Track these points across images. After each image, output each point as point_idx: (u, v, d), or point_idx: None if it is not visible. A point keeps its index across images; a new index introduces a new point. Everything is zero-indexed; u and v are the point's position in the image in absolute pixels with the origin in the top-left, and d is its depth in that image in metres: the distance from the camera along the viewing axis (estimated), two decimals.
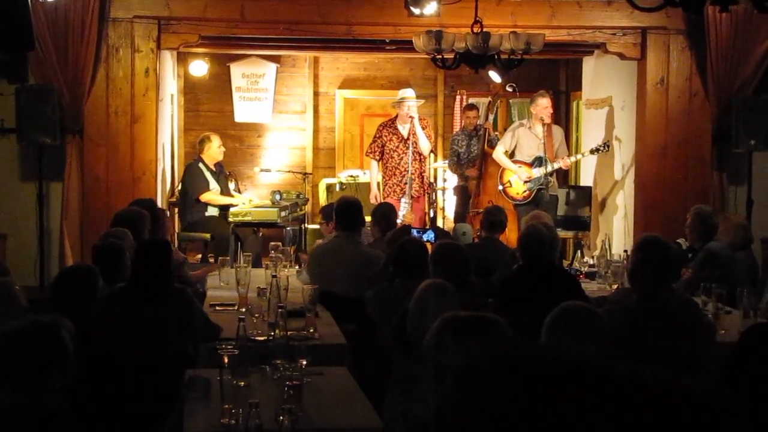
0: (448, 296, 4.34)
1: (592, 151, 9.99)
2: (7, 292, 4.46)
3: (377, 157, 10.45)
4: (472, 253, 5.99)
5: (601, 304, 5.46)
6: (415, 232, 7.45)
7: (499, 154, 10.21)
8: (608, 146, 9.97)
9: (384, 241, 7.09)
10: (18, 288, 4.63)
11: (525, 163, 10.01)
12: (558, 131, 10.24)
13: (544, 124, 9.91)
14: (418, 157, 10.26)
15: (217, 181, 9.96)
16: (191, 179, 9.85)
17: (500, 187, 10.17)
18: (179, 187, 10.77)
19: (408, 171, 10.14)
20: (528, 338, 3.40)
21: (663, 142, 9.43)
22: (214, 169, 9.98)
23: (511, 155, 10.17)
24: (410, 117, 10.19)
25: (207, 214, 9.82)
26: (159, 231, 7.36)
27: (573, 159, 10.28)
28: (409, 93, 10.48)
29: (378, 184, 10.56)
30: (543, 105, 9.96)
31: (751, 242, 7.41)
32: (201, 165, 9.90)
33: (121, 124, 8.93)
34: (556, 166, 9.89)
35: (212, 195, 9.82)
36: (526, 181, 9.98)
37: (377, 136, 10.47)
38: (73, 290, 4.72)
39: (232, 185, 11.16)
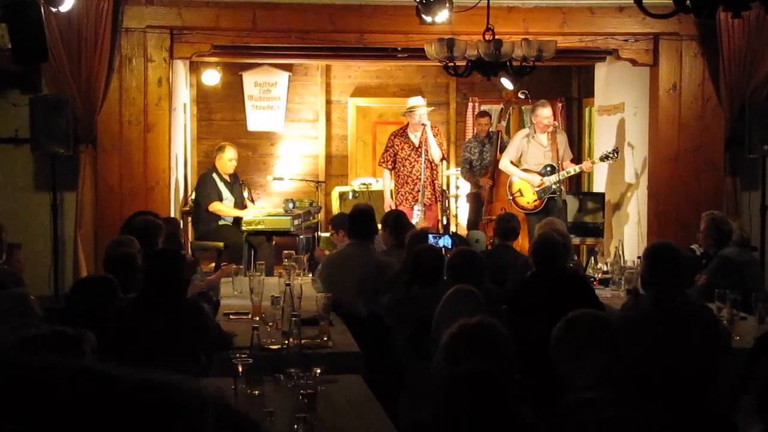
0: (477, 302, 4.35)
1: (602, 159, 9.97)
2: (23, 303, 4.46)
3: (390, 167, 10.47)
4: (486, 261, 5.99)
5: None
6: (431, 237, 7.46)
7: (506, 164, 10.22)
8: (617, 153, 9.95)
9: (405, 246, 7.08)
10: (34, 298, 4.63)
11: (534, 172, 10.00)
12: (561, 137, 10.22)
13: (549, 132, 9.94)
14: (429, 165, 10.28)
15: (231, 192, 9.98)
16: (203, 189, 9.89)
17: (510, 197, 10.16)
18: (191, 196, 10.78)
19: (420, 179, 10.15)
20: (542, 345, 3.40)
21: (676, 148, 9.41)
22: (228, 179, 10.00)
23: (517, 165, 10.18)
24: (423, 124, 10.23)
25: (221, 223, 9.85)
26: (169, 241, 7.37)
27: (596, 161, 10.19)
28: (418, 101, 10.50)
29: (391, 192, 10.58)
30: (543, 115, 9.98)
31: (748, 241, 7.42)
32: (214, 175, 9.93)
33: (134, 134, 8.96)
34: (575, 170, 9.87)
35: (219, 205, 9.83)
36: (537, 191, 9.96)
37: (389, 145, 10.50)
38: (89, 301, 4.72)
39: (245, 194, 11.19)
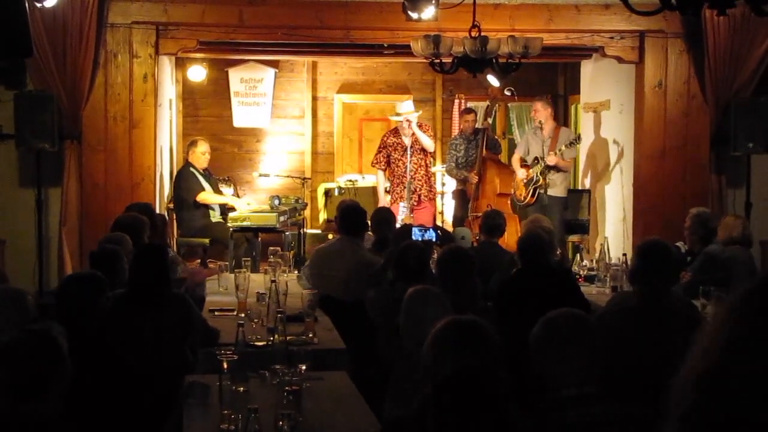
0: (436, 300, 4.36)
1: (566, 146, 10.00)
2: (21, 302, 4.44)
3: (383, 167, 10.54)
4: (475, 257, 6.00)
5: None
6: (416, 231, 7.45)
7: (513, 160, 10.49)
8: (579, 138, 10.16)
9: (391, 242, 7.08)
10: (31, 297, 4.60)
11: (526, 166, 10.12)
12: (564, 133, 10.25)
13: (553, 127, 10.04)
14: (424, 163, 10.33)
15: (209, 184, 10.00)
16: (185, 183, 9.86)
17: (512, 191, 10.28)
18: (169, 195, 10.71)
19: (407, 177, 10.18)
20: (527, 341, 3.40)
21: (661, 146, 9.43)
22: (203, 172, 10.03)
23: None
24: (408, 120, 10.27)
25: (214, 219, 9.83)
26: (156, 235, 7.36)
27: (562, 149, 10.12)
28: (405, 108, 10.54)
29: (385, 190, 10.64)
30: (534, 109, 10.28)
31: (750, 239, 7.41)
32: (191, 169, 9.93)
33: (119, 130, 8.93)
34: (548, 162, 9.89)
35: (207, 195, 9.84)
36: (524, 183, 10.07)
37: (382, 146, 10.57)
38: (79, 298, 4.70)
39: (231, 190, 11.16)
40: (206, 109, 13.02)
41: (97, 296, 4.74)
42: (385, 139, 10.64)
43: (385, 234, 7.27)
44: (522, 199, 10.15)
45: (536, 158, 10.02)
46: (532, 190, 10.04)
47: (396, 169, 10.44)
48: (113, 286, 5.36)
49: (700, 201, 8.80)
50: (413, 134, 10.28)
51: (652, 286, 4.77)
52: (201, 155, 10.03)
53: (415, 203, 10.26)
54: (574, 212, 10.45)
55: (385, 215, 7.74)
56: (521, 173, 10.14)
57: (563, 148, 9.94)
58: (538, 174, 9.95)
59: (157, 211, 9.05)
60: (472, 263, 5.58)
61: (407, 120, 10.31)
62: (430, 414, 2.90)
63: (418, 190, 10.28)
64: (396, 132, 10.54)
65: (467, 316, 3.57)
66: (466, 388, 2.88)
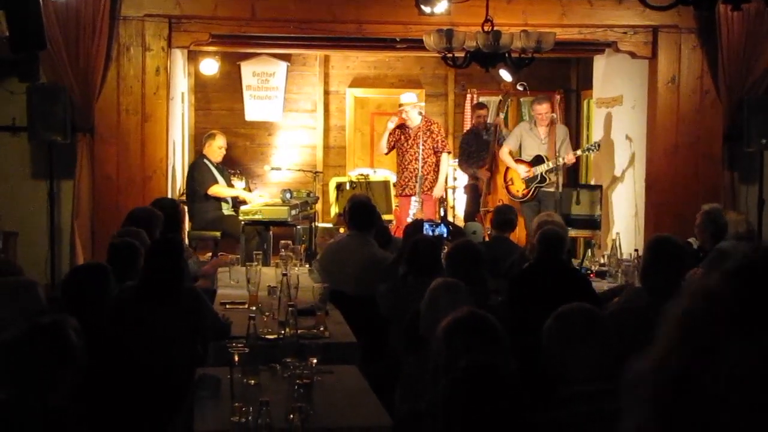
0: (459, 294, 4.35)
1: (583, 151, 10.05)
2: (31, 292, 4.45)
3: (390, 146, 10.53)
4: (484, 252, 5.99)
5: (610, 297, 5.43)
6: (427, 226, 7.45)
7: (503, 153, 10.41)
8: (598, 145, 10.10)
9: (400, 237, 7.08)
10: (41, 288, 4.61)
11: (526, 162, 10.08)
12: (561, 130, 10.25)
13: (547, 125, 10.00)
14: (427, 155, 10.32)
15: (222, 177, 10.02)
16: (199, 175, 9.89)
17: (504, 184, 10.27)
18: (181, 187, 10.73)
19: (418, 170, 10.17)
20: (539, 336, 3.40)
21: (674, 141, 9.41)
22: (217, 166, 10.06)
23: (518, 155, 10.26)
24: (419, 113, 10.29)
25: (225, 212, 9.86)
26: (179, 230, 7.37)
27: (578, 153, 10.20)
28: (404, 98, 10.56)
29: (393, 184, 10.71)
30: (537, 111, 10.18)
31: (753, 234, 7.39)
32: (206, 161, 9.97)
33: (131, 123, 8.94)
34: (557, 163, 9.88)
35: (219, 188, 9.87)
36: (525, 179, 10.05)
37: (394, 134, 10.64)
38: (84, 288, 4.71)
39: (242, 183, 11.17)
40: (218, 103, 13.03)
41: (102, 286, 4.75)
42: (395, 129, 10.69)
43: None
44: (519, 195, 10.13)
45: (539, 157, 10.00)
46: (533, 188, 10.05)
47: (402, 157, 10.42)
48: (128, 279, 5.38)
49: (712, 197, 8.77)
50: (419, 126, 10.28)
51: (663, 282, 4.76)
52: (217, 149, 10.08)
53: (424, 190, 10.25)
54: (586, 208, 10.43)
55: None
56: (522, 170, 10.10)
57: (580, 152, 9.96)
58: (545, 174, 9.95)
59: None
60: (481, 258, 5.57)
61: (403, 110, 10.36)
62: (443, 408, 2.90)
63: (426, 175, 10.26)
64: (405, 123, 10.54)
65: (470, 309, 3.57)
66: (480, 383, 2.88)
